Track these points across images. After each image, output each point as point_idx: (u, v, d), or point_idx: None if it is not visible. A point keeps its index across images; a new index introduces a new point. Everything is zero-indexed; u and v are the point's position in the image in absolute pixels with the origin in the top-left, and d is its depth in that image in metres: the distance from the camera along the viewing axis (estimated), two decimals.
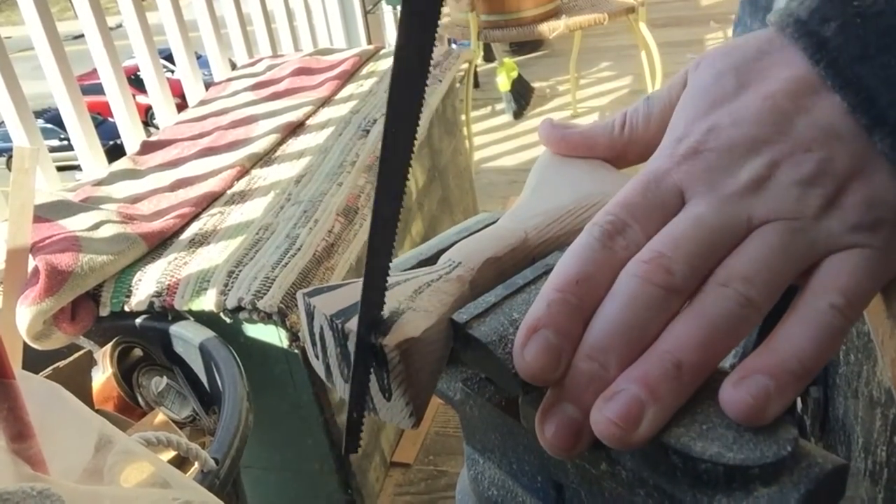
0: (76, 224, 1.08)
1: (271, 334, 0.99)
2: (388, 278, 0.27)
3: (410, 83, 0.24)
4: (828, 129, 0.27)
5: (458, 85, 1.99)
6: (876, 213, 0.26)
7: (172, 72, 2.47)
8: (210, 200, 1.21)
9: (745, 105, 0.28)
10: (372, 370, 0.27)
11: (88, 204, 1.19)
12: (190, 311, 0.99)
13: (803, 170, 0.27)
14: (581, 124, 0.36)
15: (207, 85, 1.79)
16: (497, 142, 2.73)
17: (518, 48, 3.48)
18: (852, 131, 0.27)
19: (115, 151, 1.78)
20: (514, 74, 2.84)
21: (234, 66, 1.93)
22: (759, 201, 0.26)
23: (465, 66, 2.31)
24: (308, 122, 1.50)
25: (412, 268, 0.33)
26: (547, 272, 0.29)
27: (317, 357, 0.31)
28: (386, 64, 1.75)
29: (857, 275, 0.26)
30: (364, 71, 1.73)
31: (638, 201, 0.28)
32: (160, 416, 0.92)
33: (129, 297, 1.00)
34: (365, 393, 0.28)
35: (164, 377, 0.99)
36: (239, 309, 0.96)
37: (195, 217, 1.17)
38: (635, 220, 0.27)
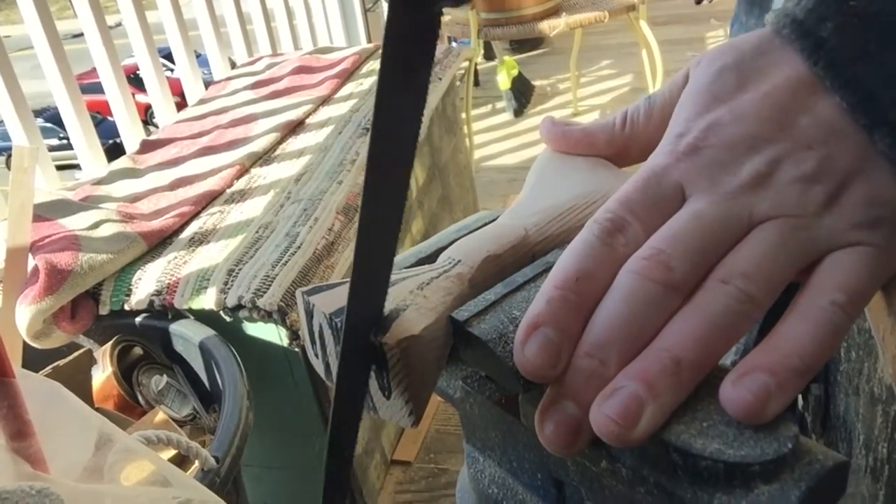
0: (76, 223, 1.08)
1: (271, 333, 0.99)
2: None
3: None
4: (828, 127, 0.27)
5: (458, 83, 1.99)
6: (876, 211, 0.26)
7: (172, 70, 2.47)
8: (210, 199, 1.21)
9: (746, 102, 0.28)
10: (372, 369, 0.27)
11: (88, 203, 1.19)
12: (190, 310, 0.99)
13: (804, 167, 0.26)
14: (582, 122, 0.36)
15: (207, 84, 1.79)
16: (497, 140, 2.73)
17: (518, 46, 3.48)
18: (852, 130, 0.26)
19: (114, 150, 1.78)
20: (515, 72, 2.84)
21: (233, 65, 1.93)
22: (760, 198, 0.26)
23: (465, 64, 2.30)
24: (308, 121, 1.50)
25: (412, 265, 0.33)
26: (547, 270, 0.29)
27: (316, 356, 0.31)
28: None
29: (858, 272, 0.26)
30: (364, 69, 1.73)
31: (638, 198, 0.28)
32: (160, 415, 0.92)
33: (128, 295, 1.00)
34: (362, 400, 0.28)
35: (165, 376, 0.99)
36: (239, 307, 0.96)
37: (195, 216, 1.17)
38: (635, 218, 0.27)
